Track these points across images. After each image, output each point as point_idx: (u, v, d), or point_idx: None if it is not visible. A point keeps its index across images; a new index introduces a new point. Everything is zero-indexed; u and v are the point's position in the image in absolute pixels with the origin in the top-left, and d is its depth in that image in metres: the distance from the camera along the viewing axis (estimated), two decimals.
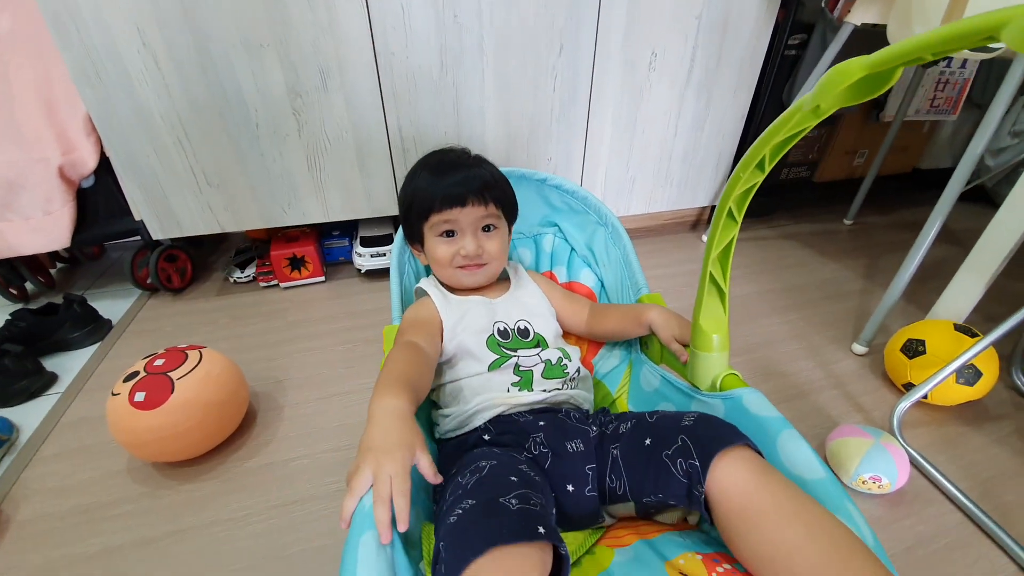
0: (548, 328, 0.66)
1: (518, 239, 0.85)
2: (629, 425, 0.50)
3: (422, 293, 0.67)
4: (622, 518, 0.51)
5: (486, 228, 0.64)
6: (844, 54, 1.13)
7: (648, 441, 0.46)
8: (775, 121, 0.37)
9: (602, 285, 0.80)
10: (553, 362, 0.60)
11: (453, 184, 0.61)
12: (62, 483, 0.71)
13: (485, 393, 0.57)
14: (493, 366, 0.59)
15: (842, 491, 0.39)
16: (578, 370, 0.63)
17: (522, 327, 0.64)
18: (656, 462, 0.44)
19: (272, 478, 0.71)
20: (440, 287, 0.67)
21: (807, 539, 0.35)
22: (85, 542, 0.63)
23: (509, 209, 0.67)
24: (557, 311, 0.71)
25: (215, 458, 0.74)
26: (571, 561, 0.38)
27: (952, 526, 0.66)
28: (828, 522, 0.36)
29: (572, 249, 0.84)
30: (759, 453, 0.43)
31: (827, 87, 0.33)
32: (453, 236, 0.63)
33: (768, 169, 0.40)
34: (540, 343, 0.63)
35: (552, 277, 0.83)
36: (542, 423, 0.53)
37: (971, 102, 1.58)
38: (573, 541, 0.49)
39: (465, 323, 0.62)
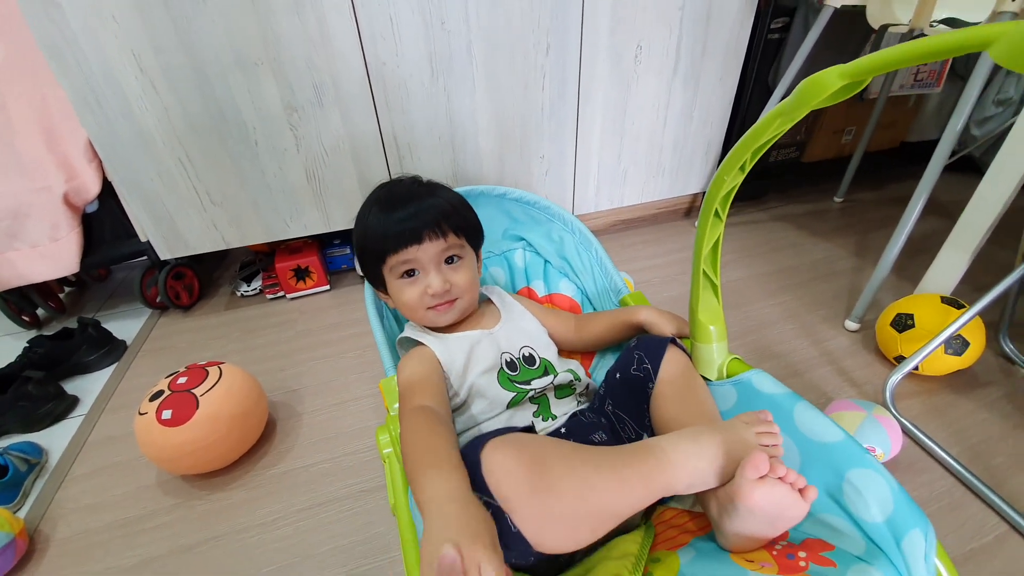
0: (550, 351, 0.64)
1: (488, 259, 0.83)
2: (604, 383, 0.60)
3: (411, 343, 0.61)
4: (665, 520, 0.51)
5: (449, 260, 0.59)
6: (826, 36, 1.15)
7: (618, 375, 0.57)
8: (754, 127, 0.40)
9: (584, 295, 0.80)
10: (564, 383, 0.61)
11: (404, 220, 0.56)
12: (96, 500, 0.74)
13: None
14: (512, 403, 0.57)
15: (861, 448, 0.43)
16: (587, 386, 0.64)
17: (527, 354, 0.62)
18: (627, 379, 0.55)
19: (297, 483, 0.74)
20: (428, 331, 0.62)
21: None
22: (125, 554, 0.66)
23: (473, 235, 0.63)
24: (547, 329, 0.68)
25: (241, 467, 0.77)
26: (642, 575, 0.41)
27: (944, 490, 0.70)
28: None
29: (546, 262, 0.83)
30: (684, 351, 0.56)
31: (804, 98, 0.35)
32: (415, 275, 0.58)
33: (748, 169, 0.43)
34: (548, 369, 0.62)
35: (531, 293, 0.83)
36: (563, 430, 0.56)
37: (955, 73, 1.60)
38: (633, 543, 0.46)
39: (473, 363, 0.58)
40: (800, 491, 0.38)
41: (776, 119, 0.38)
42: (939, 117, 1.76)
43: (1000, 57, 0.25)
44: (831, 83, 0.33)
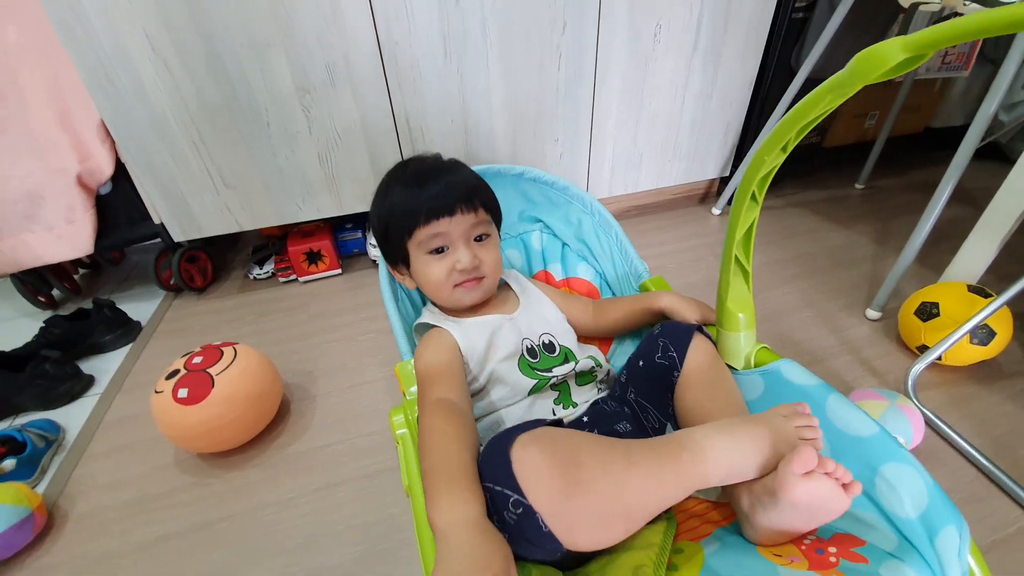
0: (569, 338, 0.64)
1: (504, 241, 0.81)
2: (625, 370, 0.59)
3: (427, 328, 0.60)
4: (687, 510, 0.50)
5: (479, 238, 0.59)
6: (852, 16, 1.11)
7: (641, 363, 0.55)
8: (802, 102, 0.37)
9: (603, 279, 0.78)
10: (585, 371, 0.60)
11: (436, 193, 0.55)
12: (113, 478, 0.75)
13: None
14: (534, 391, 0.56)
15: (896, 442, 0.42)
16: (607, 372, 0.63)
17: (547, 341, 0.61)
18: (651, 367, 0.54)
19: (313, 463, 0.75)
20: (447, 315, 0.61)
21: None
22: (143, 531, 0.67)
23: (496, 214, 0.63)
24: (565, 315, 0.68)
25: (256, 447, 0.77)
26: (666, 566, 0.41)
27: (967, 482, 0.68)
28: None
29: (564, 244, 0.81)
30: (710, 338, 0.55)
31: (860, 72, 0.32)
32: (444, 252, 0.57)
33: (790, 150, 0.41)
34: (568, 356, 0.61)
35: (548, 276, 0.81)
36: (586, 419, 0.55)
37: (984, 57, 1.54)
38: (656, 533, 0.45)
39: (494, 349, 0.57)
40: (844, 486, 0.37)
41: (827, 94, 0.35)
42: (965, 102, 1.70)
43: None
44: (891, 56, 0.30)
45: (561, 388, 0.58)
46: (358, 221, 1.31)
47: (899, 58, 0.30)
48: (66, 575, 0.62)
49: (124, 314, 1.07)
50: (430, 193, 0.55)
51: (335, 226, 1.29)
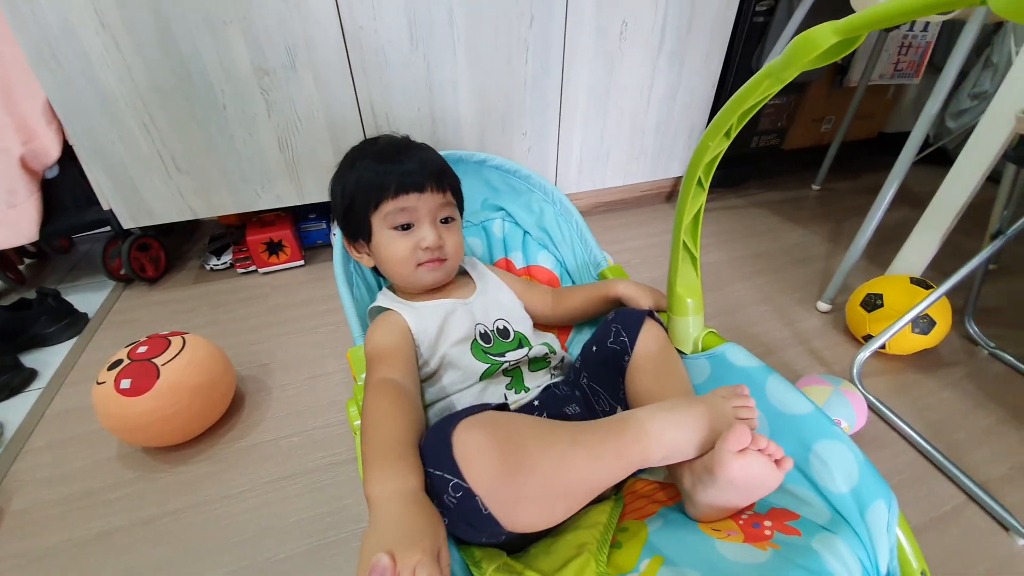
0: (525, 325, 0.64)
1: (465, 228, 0.81)
2: (580, 356, 0.60)
3: (380, 311, 0.59)
4: (635, 491, 0.51)
5: (444, 220, 0.59)
6: (810, 19, 1.15)
7: (594, 348, 0.56)
8: (741, 89, 0.38)
9: (563, 267, 0.79)
10: (539, 356, 0.60)
11: (409, 169, 0.55)
12: (54, 472, 0.71)
13: None
14: (485, 375, 0.56)
15: (829, 421, 0.44)
16: (562, 359, 0.64)
17: (501, 327, 0.61)
18: (603, 352, 0.54)
19: (264, 456, 0.72)
20: (402, 299, 0.60)
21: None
22: (83, 526, 0.64)
23: (460, 199, 0.63)
24: (523, 302, 0.68)
25: (206, 441, 0.75)
26: (610, 544, 0.42)
27: (907, 464, 0.71)
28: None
29: (525, 232, 0.82)
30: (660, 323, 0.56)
31: (796, 56, 0.33)
32: (409, 229, 0.57)
33: (733, 136, 0.42)
34: (522, 342, 0.61)
35: (508, 264, 0.81)
36: (536, 402, 0.56)
37: (933, 66, 1.62)
38: (601, 513, 0.46)
39: (447, 332, 0.57)
40: (776, 461, 0.39)
41: (764, 80, 0.36)
42: (917, 109, 1.78)
43: (1000, 8, 0.24)
44: (823, 40, 0.31)
45: (514, 373, 0.58)
46: (322, 212, 1.29)
47: (830, 41, 0.31)
48: (2, 574, 0.59)
49: (69, 305, 1.02)
50: (403, 168, 0.56)
51: (297, 216, 1.26)
